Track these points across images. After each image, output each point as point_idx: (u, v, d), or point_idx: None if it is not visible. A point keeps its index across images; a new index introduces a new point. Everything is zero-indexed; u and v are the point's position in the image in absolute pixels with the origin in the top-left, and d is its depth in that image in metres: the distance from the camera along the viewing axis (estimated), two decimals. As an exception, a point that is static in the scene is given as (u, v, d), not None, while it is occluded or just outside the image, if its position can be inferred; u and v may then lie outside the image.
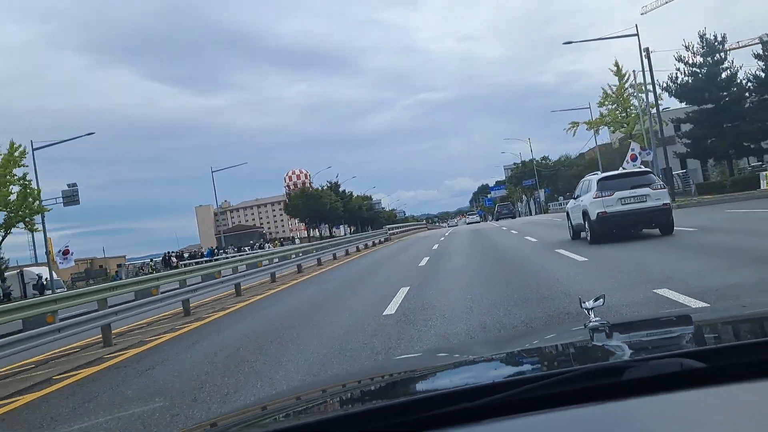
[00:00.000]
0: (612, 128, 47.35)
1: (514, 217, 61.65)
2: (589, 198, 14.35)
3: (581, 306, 1.68)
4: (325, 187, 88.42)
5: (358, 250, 33.75)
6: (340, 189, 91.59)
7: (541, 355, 1.51)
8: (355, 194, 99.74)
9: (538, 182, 78.99)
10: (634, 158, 30.94)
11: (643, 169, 19.06)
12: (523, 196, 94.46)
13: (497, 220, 63.03)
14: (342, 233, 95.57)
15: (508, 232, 29.71)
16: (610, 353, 1.40)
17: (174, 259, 53.97)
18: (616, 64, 43.51)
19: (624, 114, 44.41)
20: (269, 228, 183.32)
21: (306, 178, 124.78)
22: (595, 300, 1.67)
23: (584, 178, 16.41)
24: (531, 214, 76.33)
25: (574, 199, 16.35)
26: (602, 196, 13.89)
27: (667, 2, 57.04)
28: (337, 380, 1.94)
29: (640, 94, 39.13)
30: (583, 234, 15.33)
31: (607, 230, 13.90)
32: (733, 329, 1.52)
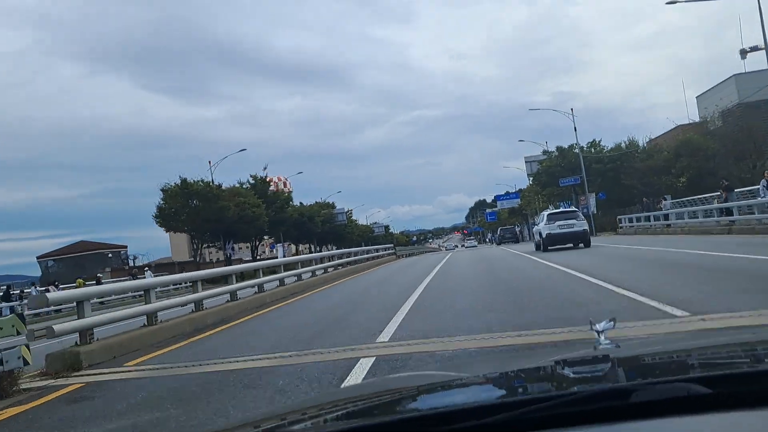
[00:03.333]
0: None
1: (517, 241, 59.44)
2: (543, 225, 25.43)
3: (591, 328, 1.67)
4: (244, 185, 56.14)
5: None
6: (273, 188, 59.26)
7: (549, 375, 1.50)
8: (351, 207, 67.22)
9: (586, 181, 46.63)
10: None
11: (572, 209, 30.12)
12: (551, 206, 61.84)
13: (499, 243, 60.58)
14: (279, 255, 63.43)
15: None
16: (618, 375, 1.38)
17: None
18: None
19: None
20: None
21: (285, 186, 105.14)
22: (606, 323, 1.66)
23: (540, 213, 32.39)
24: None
25: (536, 225, 28.58)
26: (549, 223, 24.77)
27: None
28: (333, 397, 1.80)
29: None
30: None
31: (551, 243, 24.42)
32: (742, 355, 1.49)
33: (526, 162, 55.94)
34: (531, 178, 59.92)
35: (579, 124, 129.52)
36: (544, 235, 24.57)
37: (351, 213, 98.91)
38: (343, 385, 5.22)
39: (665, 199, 36.39)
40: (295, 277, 19.38)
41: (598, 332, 1.64)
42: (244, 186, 56.31)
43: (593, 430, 0.91)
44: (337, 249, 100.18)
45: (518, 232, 74.76)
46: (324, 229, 73.96)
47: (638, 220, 36.36)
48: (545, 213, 27.20)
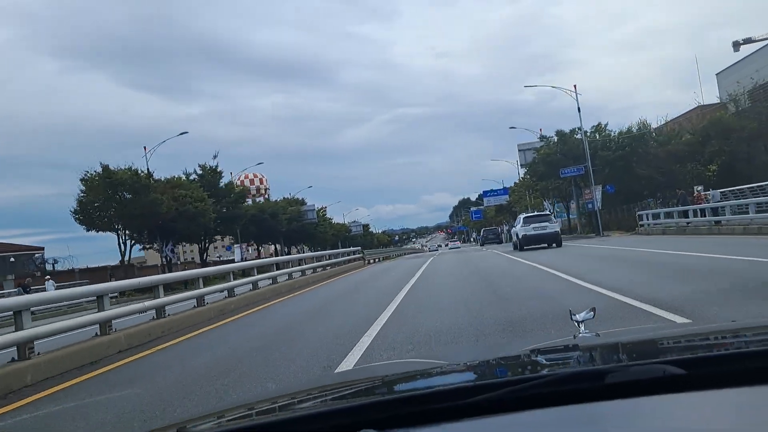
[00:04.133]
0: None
1: (500, 242, 57.75)
2: (519, 227, 28.00)
3: (572, 318, 1.70)
4: (190, 175, 47.96)
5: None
6: (225, 178, 51.14)
7: (527, 361, 1.53)
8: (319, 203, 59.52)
9: (592, 171, 39.04)
10: None
11: (546, 212, 34.53)
12: (547, 202, 54.44)
13: (482, 244, 58.67)
14: (237, 258, 55.23)
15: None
16: (595, 359, 1.43)
17: None
18: None
19: None
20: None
21: (262, 183, 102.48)
22: (586, 313, 1.68)
23: (518, 216, 33.88)
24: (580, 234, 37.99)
25: (514, 227, 31.92)
26: (525, 226, 27.42)
27: None
28: (317, 383, 1.94)
29: None
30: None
31: (527, 243, 26.88)
32: (716, 341, 1.55)
33: (519, 150, 48.26)
34: (524, 170, 52.30)
35: (563, 122, 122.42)
36: (520, 237, 27.47)
37: (324, 210, 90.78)
38: None
39: (698, 192, 28.90)
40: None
41: (578, 322, 1.67)
42: (191, 177, 48.08)
43: (570, 409, 0.93)
44: (310, 250, 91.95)
45: (501, 232, 73.02)
46: (291, 227, 65.86)
47: (668, 216, 28.69)
48: (521, 216, 30.40)
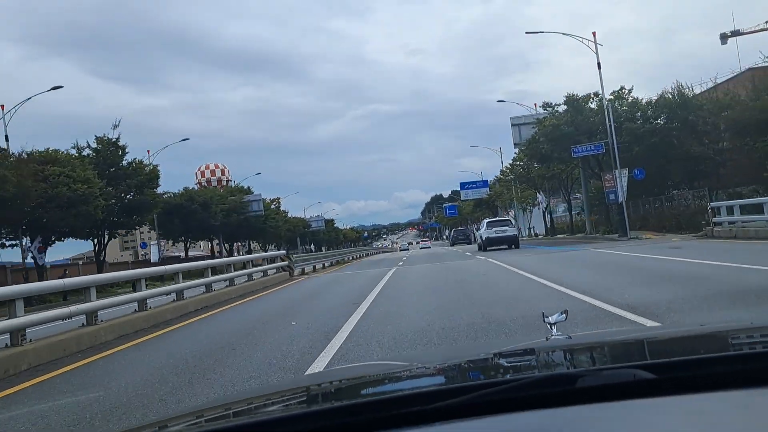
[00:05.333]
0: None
1: (469, 242, 53.61)
2: (483, 230, 31.18)
3: (544, 321, 1.70)
4: (83, 150, 36.13)
5: None
6: (130, 156, 39.12)
7: (497, 363, 1.52)
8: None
9: (617, 150, 28.25)
10: None
11: (506, 218, 40.44)
12: (542, 195, 43.91)
13: (453, 244, 58.05)
14: (153, 258, 43.57)
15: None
16: (566, 363, 1.43)
17: None
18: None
19: None
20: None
21: (224, 174, 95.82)
22: (558, 315, 1.69)
23: (482, 221, 37.87)
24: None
25: (479, 230, 34.50)
26: (488, 229, 30.68)
27: None
28: (289, 384, 1.96)
29: None
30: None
31: (489, 245, 29.49)
32: (686, 345, 1.56)
33: (512, 125, 37.42)
34: (516, 152, 41.64)
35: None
36: (483, 239, 30.50)
37: (278, 202, 79.12)
38: None
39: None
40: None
41: (550, 324, 1.67)
42: (84, 152, 36.19)
43: (540, 414, 0.93)
44: (262, 249, 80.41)
45: (472, 232, 67.14)
46: (229, 221, 54.22)
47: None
48: (485, 221, 34.48)
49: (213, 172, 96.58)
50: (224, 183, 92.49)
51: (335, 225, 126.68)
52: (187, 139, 52.91)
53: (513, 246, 29.37)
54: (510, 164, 51.62)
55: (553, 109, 33.98)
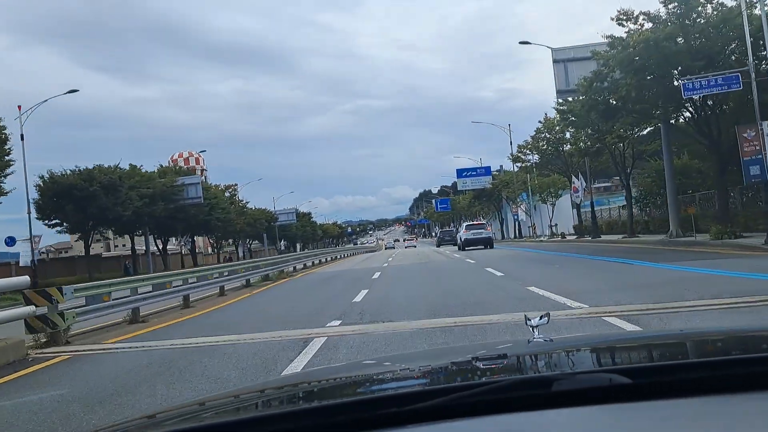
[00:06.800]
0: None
1: (455, 244, 47.44)
2: (462, 233, 36.14)
3: (526, 323, 1.71)
4: None
5: None
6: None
7: (475, 366, 1.51)
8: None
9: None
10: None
11: (482, 221, 45.67)
12: (579, 179, 30.04)
13: (438, 245, 54.57)
14: (23, 261, 29.57)
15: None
16: (544, 366, 1.44)
17: None
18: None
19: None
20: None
21: (198, 163, 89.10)
22: (540, 318, 1.70)
23: (462, 224, 44.33)
24: None
25: (459, 232, 39.92)
26: (466, 231, 35.43)
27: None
28: (265, 385, 1.95)
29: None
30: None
31: (467, 245, 33.50)
32: (664, 351, 1.55)
33: (554, 62, 23.51)
34: (557, 104, 27.83)
35: (524, 118, 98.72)
36: (462, 240, 34.51)
37: (235, 189, 64.92)
38: None
39: None
40: None
41: (532, 327, 1.67)
42: None
43: (516, 417, 0.93)
44: (214, 248, 66.23)
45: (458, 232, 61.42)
46: (156, 210, 40.05)
47: None
48: (464, 224, 39.97)
49: (187, 161, 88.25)
50: (198, 172, 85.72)
51: (312, 219, 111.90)
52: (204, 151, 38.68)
53: (488, 246, 33.41)
54: (533, 137, 37.70)
55: (655, 17, 19.45)
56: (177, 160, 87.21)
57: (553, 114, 33.47)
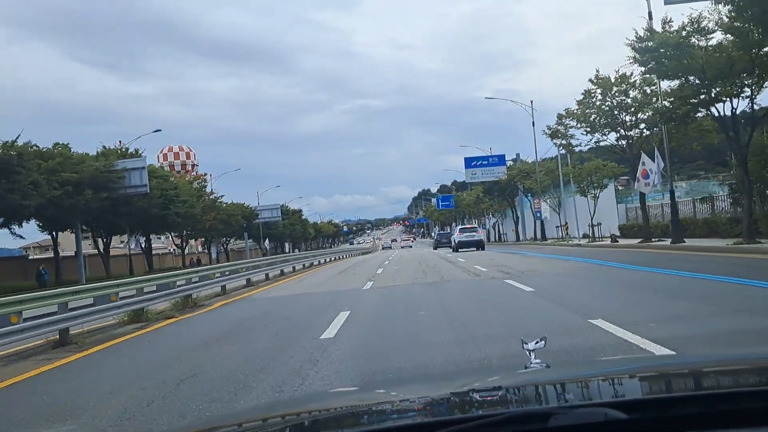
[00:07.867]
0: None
1: (450, 245, 48.25)
2: (456, 235, 40.79)
3: (523, 347, 1.67)
4: None
5: None
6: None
7: (473, 397, 1.50)
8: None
9: None
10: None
11: (474, 225, 53.71)
12: (655, 161, 20.10)
13: (435, 248, 52.35)
14: None
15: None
16: (540, 398, 1.43)
17: None
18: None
19: None
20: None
21: (189, 158, 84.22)
22: (536, 342, 1.67)
23: (455, 227, 58.05)
24: None
25: (452, 235, 43.98)
26: (459, 234, 40.08)
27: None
28: (265, 411, 1.89)
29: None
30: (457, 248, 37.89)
31: (460, 247, 37.12)
32: (664, 382, 1.51)
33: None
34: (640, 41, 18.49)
35: (521, 119, 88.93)
36: (456, 242, 38.69)
37: (204, 180, 55.15)
38: None
39: None
40: None
41: (529, 351, 1.64)
42: None
43: None
44: (180, 246, 56.59)
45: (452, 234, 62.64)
46: (78, 202, 30.46)
47: None
48: (457, 228, 47.61)
49: (177, 155, 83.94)
50: (189, 167, 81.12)
51: (302, 216, 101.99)
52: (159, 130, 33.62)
53: (479, 248, 36.30)
54: (580, 102, 28.06)
55: None
56: (167, 154, 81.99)
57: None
